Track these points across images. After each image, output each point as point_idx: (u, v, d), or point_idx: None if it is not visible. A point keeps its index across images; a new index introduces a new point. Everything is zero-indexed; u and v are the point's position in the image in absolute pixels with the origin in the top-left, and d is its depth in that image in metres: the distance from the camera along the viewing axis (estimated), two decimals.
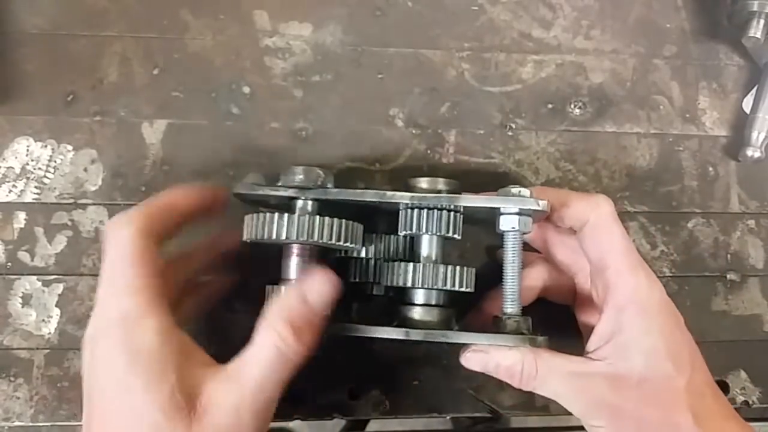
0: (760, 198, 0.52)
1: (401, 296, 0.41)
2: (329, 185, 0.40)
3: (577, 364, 0.38)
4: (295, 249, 0.40)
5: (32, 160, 0.47)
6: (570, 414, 0.39)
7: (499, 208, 0.39)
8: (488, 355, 0.38)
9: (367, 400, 0.45)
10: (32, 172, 0.46)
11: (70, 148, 0.47)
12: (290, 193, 0.39)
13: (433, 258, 0.41)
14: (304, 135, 0.49)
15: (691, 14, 0.55)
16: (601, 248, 0.39)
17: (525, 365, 0.37)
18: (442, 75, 0.51)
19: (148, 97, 0.49)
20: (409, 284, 0.39)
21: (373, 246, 0.43)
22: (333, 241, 0.38)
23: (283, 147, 0.48)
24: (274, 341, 0.34)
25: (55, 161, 0.47)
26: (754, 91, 0.53)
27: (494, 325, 0.39)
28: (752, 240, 0.51)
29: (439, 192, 0.40)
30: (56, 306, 0.45)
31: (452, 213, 0.40)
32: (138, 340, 0.33)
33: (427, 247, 0.41)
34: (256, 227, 0.38)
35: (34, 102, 0.48)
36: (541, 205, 0.38)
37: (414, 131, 0.50)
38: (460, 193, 0.40)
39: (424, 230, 0.40)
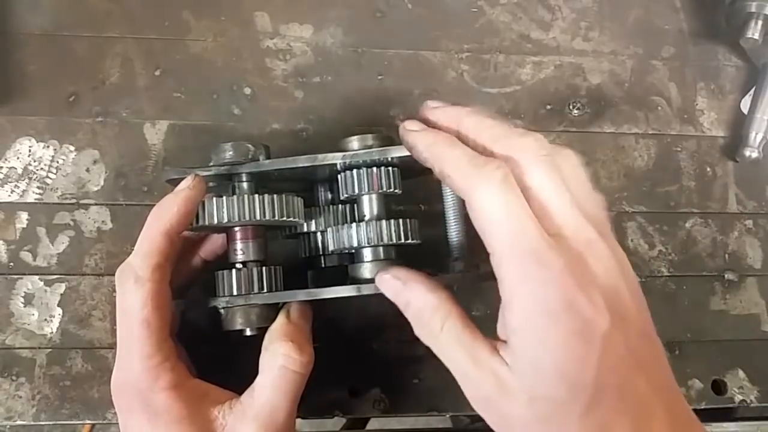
0: (757, 198, 0.52)
1: (352, 259, 0.41)
2: (261, 158, 0.40)
3: (478, 350, 0.32)
4: (239, 231, 0.40)
5: (34, 161, 0.47)
6: None
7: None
8: (404, 287, 0.35)
9: (367, 399, 0.45)
10: (34, 173, 0.47)
11: (72, 148, 0.47)
12: (222, 170, 0.39)
13: (376, 216, 0.40)
14: (304, 136, 0.49)
15: (689, 15, 0.56)
16: (484, 236, 0.31)
17: (433, 315, 0.33)
18: (442, 76, 0.52)
19: (150, 97, 0.49)
20: (354, 244, 0.39)
21: (322, 218, 0.43)
22: (275, 218, 0.38)
23: (284, 148, 0.48)
24: (279, 362, 0.36)
25: (57, 161, 0.47)
26: (752, 91, 0.54)
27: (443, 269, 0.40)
28: (750, 240, 0.51)
29: (370, 147, 0.40)
30: (58, 305, 0.45)
31: (387, 168, 0.40)
32: (153, 401, 0.35)
33: (369, 206, 0.41)
34: (196, 215, 0.38)
35: (36, 102, 0.48)
36: None
37: None
38: (390, 146, 0.40)
39: (364, 189, 0.40)
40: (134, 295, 0.36)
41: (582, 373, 0.29)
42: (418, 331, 0.34)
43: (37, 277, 0.45)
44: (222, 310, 0.39)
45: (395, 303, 0.36)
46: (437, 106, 0.37)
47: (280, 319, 0.39)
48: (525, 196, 0.31)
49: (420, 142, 0.36)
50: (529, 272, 0.30)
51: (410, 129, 0.36)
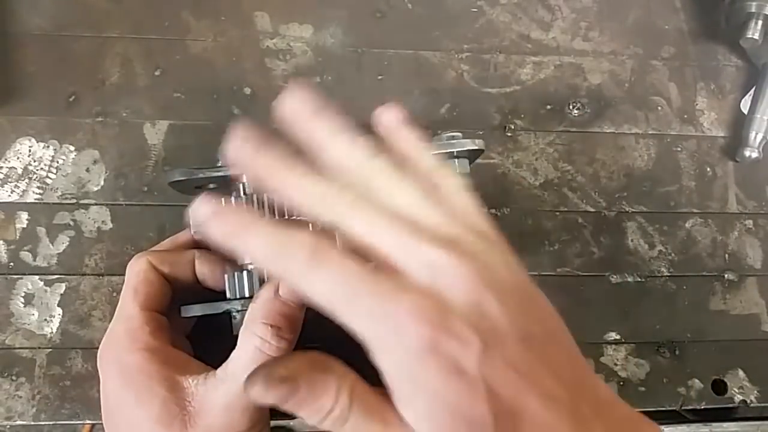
0: (757, 198, 0.52)
1: None
2: None
3: (390, 419, 0.27)
4: None
5: (34, 161, 0.47)
6: None
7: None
8: (295, 390, 0.27)
9: None
10: (34, 173, 0.47)
11: (72, 148, 0.47)
12: (233, 171, 0.39)
13: None
14: None
15: (689, 15, 0.56)
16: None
17: (336, 404, 0.27)
18: (442, 76, 0.52)
19: (150, 98, 0.49)
20: None
21: None
22: (286, 216, 0.38)
23: None
24: (255, 344, 0.34)
25: (58, 161, 0.47)
26: (752, 91, 0.54)
27: None
28: (750, 240, 0.51)
29: None
30: (58, 305, 0.45)
31: None
32: (127, 360, 0.36)
33: None
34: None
35: (36, 102, 0.48)
36: (477, 143, 0.40)
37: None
38: None
39: None
40: (131, 267, 0.38)
41: (474, 408, 0.25)
42: (320, 421, 0.28)
43: (37, 277, 0.45)
44: (236, 314, 0.38)
45: (284, 408, 0.28)
46: (205, 215, 0.28)
47: (266, 293, 0.35)
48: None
49: (216, 235, 0.28)
50: (380, 330, 0.26)
51: (197, 222, 0.30)
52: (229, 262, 0.41)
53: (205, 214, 0.28)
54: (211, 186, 0.41)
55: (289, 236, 0.27)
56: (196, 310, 0.39)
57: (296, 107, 0.32)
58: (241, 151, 0.29)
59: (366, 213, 0.28)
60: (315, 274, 0.27)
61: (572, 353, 0.29)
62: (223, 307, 0.38)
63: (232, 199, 0.38)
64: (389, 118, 0.34)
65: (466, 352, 0.26)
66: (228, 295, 0.39)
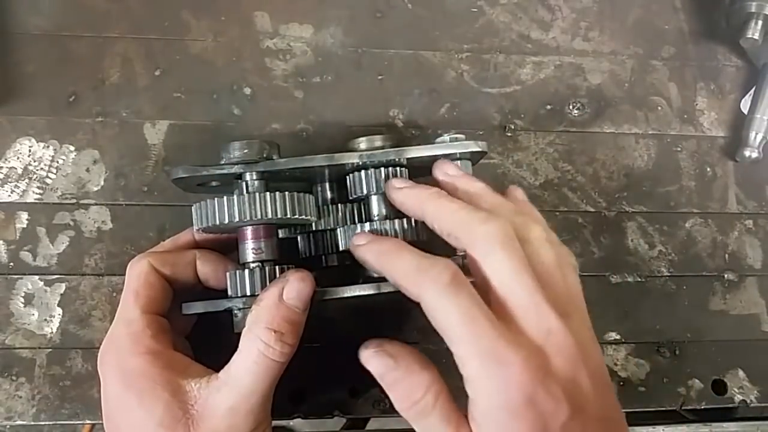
0: (757, 198, 0.52)
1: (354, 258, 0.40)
2: (275, 156, 0.40)
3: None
4: (250, 231, 0.39)
5: (34, 161, 0.47)
6: None
7: (439, 156, 0.41)
8: (396, 364, 0.35)
9: (367, 399, 0.45)
10: (34, 173, 0.47)
11: (72, 148, 0.47)
12: (237, 169, 0.39)
13: (385, 215, 0.40)
14: (304, 136, 0.49)
15: (689, 15, 0.56)
16: (444, 337, 0.32)
17: (426, 393, 0.33)
18: (442, 76, 0.52)
19: (150, 97, 0.49)
20: None
21: (322, 218, 0.42)
22: (288, 215, 0.37)
23: (284, 148, 0.48)
24: (258, 347, 0.35)
25: (57, 161, 0.47)
26: (752, 92, 0.54)
27: None
28: (750, 240, 0.51)
29: (381, 147, 0.41)
30: (58, 305, 0.45)
31: (398, 168, 0.40)
32: (129, 364, 0.36)
33: (378, 206, 0.41)
34: (207, 214, 0.37)
35: (36, 102, 0.48)
36: (481, 145, 0.41)
37: (414, 132, 0.50)
38: (399, 146, 0.41)
39: (373, 190, 0.40)
40: (131, 269, 0.39)
41: None
42: (406, 407, 0.34)
43: (37, 277, 0.45)
44: (237, 312, 0.38)
45: (380, 380, 0.35)
46: (401, 186, 0.38)
47: (271, 297, 0.36)
48: (485, 287, 0.33)
49: (368, 255, 0.36)
50: (490, 371, 0.30)
51: (358, 244, 0.37)
52: (230, 261, 0.41)
53: (364, 239, 0.37)
54: (214, 184, 0.41)
55: (432, 262, 0.33)
56: (197, 307, 0.39)
57: (452, 172, 0.40)
58: (409, 190, 0.38)
59: (515, 255, 0.33)
60: (449, 299, 0.31)
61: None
62: (224, 304, 0.38)
63: (235, 197, 0.37)
64: (521, 195, 0.41)
65: (556, 413, 0.30)
66: (230, 292, 0.39)
